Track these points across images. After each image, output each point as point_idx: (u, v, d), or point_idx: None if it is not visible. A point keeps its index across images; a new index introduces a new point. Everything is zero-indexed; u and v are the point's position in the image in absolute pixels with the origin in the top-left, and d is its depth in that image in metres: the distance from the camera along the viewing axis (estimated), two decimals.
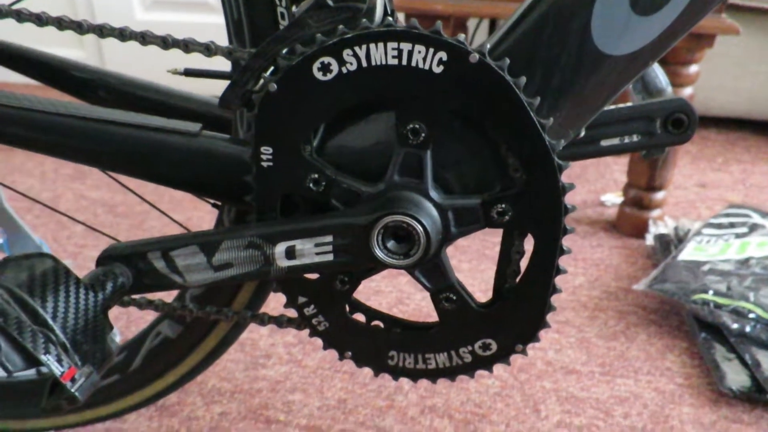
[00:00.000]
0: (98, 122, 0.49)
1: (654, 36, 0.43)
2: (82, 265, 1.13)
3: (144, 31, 0.46)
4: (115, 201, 1.37)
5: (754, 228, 1.15)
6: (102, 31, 0.47)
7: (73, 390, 0.41)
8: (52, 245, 1.19)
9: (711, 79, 1.72)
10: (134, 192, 0.69)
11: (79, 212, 1.33)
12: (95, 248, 1.19)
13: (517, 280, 0.49)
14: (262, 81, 0.45)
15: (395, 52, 0.42)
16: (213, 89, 0.61)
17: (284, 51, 0.44)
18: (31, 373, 0.41)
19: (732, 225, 1.18)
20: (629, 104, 0.58)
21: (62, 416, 0.72)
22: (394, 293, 1.07)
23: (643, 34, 0.43)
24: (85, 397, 0.42)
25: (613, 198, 1.41)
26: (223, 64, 0.52)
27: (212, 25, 1.81)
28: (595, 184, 1.50)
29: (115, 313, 1.00)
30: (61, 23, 0.47)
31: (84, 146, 0.50)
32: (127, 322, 0.98)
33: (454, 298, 0.49)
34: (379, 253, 0.45)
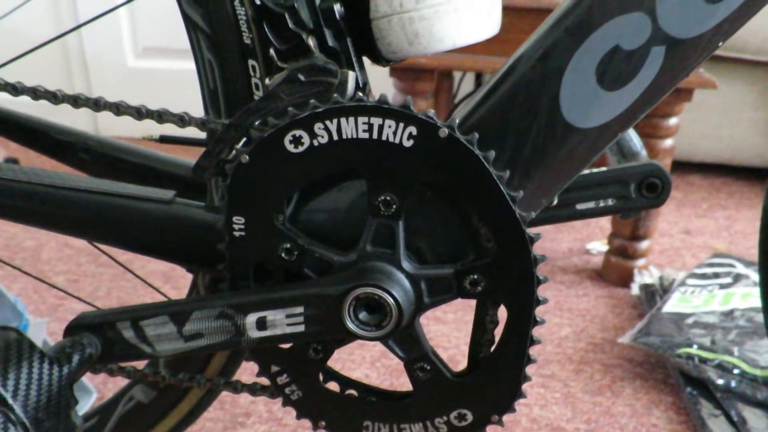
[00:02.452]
0: (70, 190, 0.49)
1: (622, 109, 0.44)
2: (62, 317, 1.11)
3: (118, 102, 0.47)
4: (103, 248, 1.36)
5: (737, 278, 1.15)
6: (76, 101, 0.47)
7: None
8: (32, 296, 1.18)
9: (694, 127, 1.75)
10: (110, 255, 0.68)
11: (63, 261, 1.32)
12: (76, 300, 1.17)
13: (492, 349, 0.48)
14: (234, 151, 0.46)
15: (366, 126, 0.42)
16: (194, 153, 0.61)
17: (257, 123, 0.45)
18: None
19: (716, 275, 1.18)
20: (604, 169, 0.59)
21: None
22: (378, 346, 1.05)
23: (611, 108, 0.44)
24: None
25: (599, 246, 1.41)
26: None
27: None
28: (581, 232, 1.50)
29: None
30: (36, 93, 0.47)
31: (57, 214, 0.50)
32: (105, 379, 0.96)
33: (428, 367, 0.48)
34: (351, 325, 0.45)
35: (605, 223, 1.54)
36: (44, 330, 0.88)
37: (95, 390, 0.91)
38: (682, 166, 1.87)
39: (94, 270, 1.29)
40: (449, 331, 1.11)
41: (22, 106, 0.61)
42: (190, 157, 0.61)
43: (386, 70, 1.19)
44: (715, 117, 1.74)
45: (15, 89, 0.48)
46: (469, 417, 0.49)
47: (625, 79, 0.42)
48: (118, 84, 2.01)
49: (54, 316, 1.12)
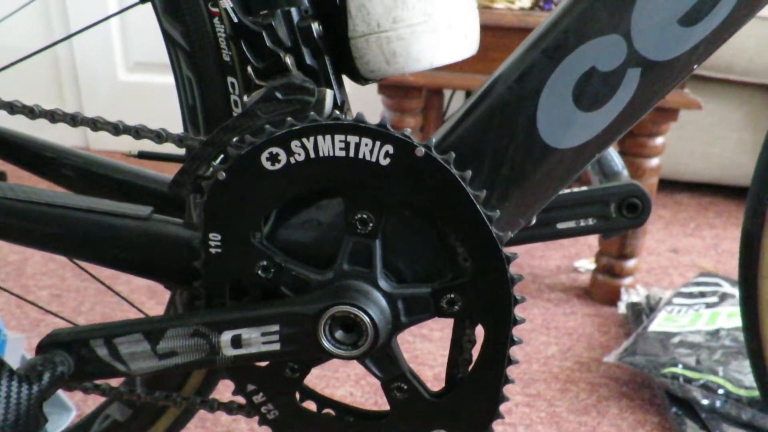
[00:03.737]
0: (47, 206, 0.49)
1: (599, 130, 0.44)
2: (44, 333, 1.09)
3: (95, 117, 0.46)
4: (84, 265, 1.35)
5: (724, 297, 1.16)
6: (53, 116, 0.46)
7: None
8: (14, 311, 1.17)
9: (682, 146, 1.77)
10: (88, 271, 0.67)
11: (47, 276, 1.31)
12: (60, 314, 1.16)
13: (469, 369, 0.48)
14: (212, 168, 0.45)
15: (342, 144, 0.42)
16: (176, 169, 0.61)
17: (234, 140, 0.45)
18: None
19: (702, 294, 1.18)
20: (584, 188, 0.59)
21: None
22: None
23: (588, 129, 0.44)
24: None
25: (587, 264, 1.41)
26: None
27: None
28: (570, 250, 1.50)
29: None
30: (12, 108, 0.47)
31: (33, 230, 0.50)
32: (85, 397, 0.95)
33: (406, 387, 0.48)
34: (327, 344, 0.44)
35: (593, 240, 1.54)
36: (23, 346, 0.87)
37: (74, 407, 0.89)
38: (671, 186, 1.89)
39: (79, 285, 1.28)
40: (435, 348, 1.10)
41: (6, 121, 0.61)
42: (173, 173, 0.61)
43: (374, 87, 1.20)
44: (702, 137, 1.76)
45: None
46: None
47: (601, 101, 0.43)
48: (108, 98, 2.01)
49: (35, 332, 1.11)
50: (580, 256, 1.47)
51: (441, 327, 1.15)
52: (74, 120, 0.47)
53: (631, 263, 1.26)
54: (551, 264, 1.42)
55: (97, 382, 0.56)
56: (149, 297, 1.24)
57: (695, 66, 0.43)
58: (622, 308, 1.22)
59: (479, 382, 0.47)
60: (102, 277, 1.28)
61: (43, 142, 0.63)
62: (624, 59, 0.42)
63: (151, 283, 1.28)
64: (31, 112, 0.47)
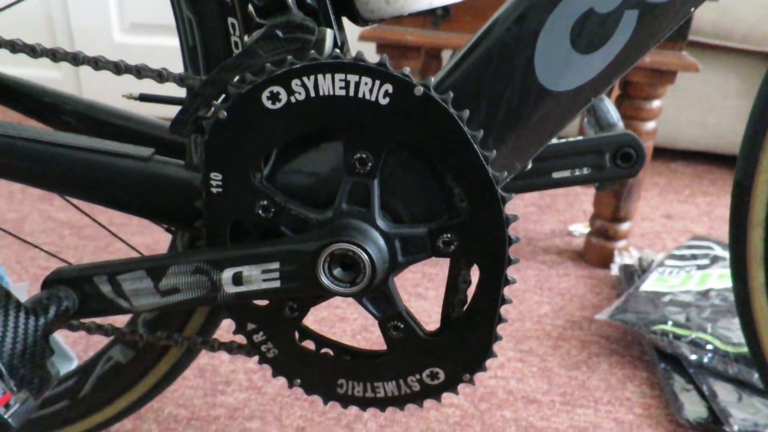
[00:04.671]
0: (49, 145, 0.49)
1: (595, 73, 0.44)
2: None
3: (96, 57, 0.47)
4: (83, 223, 1.36)
5: (715, 260, 1.17)
6: (55, 55, 0.47)
7: (6, 416, 0.40)
8: (15, 266, 1.18)
9: (678, 114, 1.77)
10: (91, 217, 0.68)
11: (46, 234, 1.32)
12: None
13: (464, 309, 0.49)
14: (212, 108, 0.46)
15: (342, 83, 0.43)
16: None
17: (235, 79, 0.45)
18: None
19: (694, 257, 1.20)
20: (580, 138, 0.59)
21: None
22: (359, 320, 1.07)
23: (584, 72, 0.44)
24: (19, 424, 0.41)
25: (581, 228, 1.43)
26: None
27: None
28: (564, 214, 1.52)
29: (74, 337, 0.98)
30: (14, 47, 0.47)
31: (34, 168, 0.50)
32: (86, 347, 0.97)
33: (402, 326, 0.49)
34: (325, 281, 0.45)
35: (588, 206, 1.56)
36: (24, 294, 0.88)
37: (75, 357, 0.91)
38: (666, 153, 1.89)
39: (77, 242, 1.29)
40: (430, 306, 1.12)
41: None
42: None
43: (373, 47, 1.19)
44: (699, 104, 1.76)
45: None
46: (441, 375, 0.50)
47: (598, 43, 0.43)
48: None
49: (35, 286, 1.12)
50: (575, 220, 1.48)
51: (436, 287, 1.17)
52: (76, 59, 0.47)
53: (624, 226, 1.27)
54: (546, 228, 1.44)
55: (101, 322, 0.57)
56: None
57: (692, 9, 0.43)
58: (614, 270, 1.23)
59: (474, 320, 0.48)
60: (100, 237, 1.29)
61: (44, 87, 0.63)
62: (622, 1, 0.42)
63: (150, 240, 1.29)
64: (33, 51, 0.47)
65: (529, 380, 0.95)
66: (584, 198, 1.61)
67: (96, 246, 1.27)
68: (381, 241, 0.46)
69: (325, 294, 0.48)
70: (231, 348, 0.55)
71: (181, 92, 0.53)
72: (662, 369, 0.94)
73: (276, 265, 0.46)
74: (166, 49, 1.91)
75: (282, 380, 0.91)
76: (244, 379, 0.91)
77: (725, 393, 0.87)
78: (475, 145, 0.43)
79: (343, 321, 1.06)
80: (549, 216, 1.50)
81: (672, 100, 1.70)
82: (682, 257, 1.20)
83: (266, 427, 0.83)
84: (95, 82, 2.02)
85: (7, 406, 0.41)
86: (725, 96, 1.74)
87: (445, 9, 1.14)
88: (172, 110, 0.54)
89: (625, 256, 1.26)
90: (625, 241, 1.29)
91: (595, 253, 1.30)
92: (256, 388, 0.90)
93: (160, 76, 0.47)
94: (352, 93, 0.43)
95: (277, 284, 0.47)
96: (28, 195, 1.47)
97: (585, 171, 0.59)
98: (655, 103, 1.18)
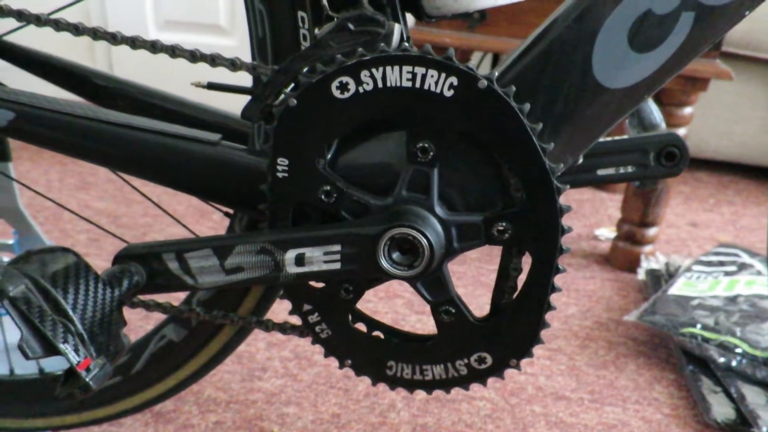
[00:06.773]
0: (121, 127, 0.52)
1: (650, 72, 0.46)
2: None
3: (174, 45, 0.49)
4: (119, 212, 1.39)
5: (742, 267, 1.18)
6: (134, 43, 0.49)
7: (87, 379, 0.43)
8: None
9: (705, 123, 1.77)
10: (146, 196, 0.71)
11: (82, 222, 1.35)
12: (98, 257, 1.20)
13: (514, 296, 0.51)
14: (282, 96, 0.48)
15: (409, 75, 0.45)
16: (225, 103, 0.64)
17: (305, 69, 0.47)
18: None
19: (721, 263, 1.20)
20: (626, 137, 0.61)
21: (60, 416, 0.73)
22: (390, 314, 1.09)
23: (639, 70, 0.46)
24: (98, 387, 0.44)
25: (607, 233, 1.44)
26: (236, 80, 0.54)
27: (222, 47, 1.86)
28: (590, 219, 1.53)
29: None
30: (58, 24, 0.50)
31: (105, 149, 0.53)
32: (127, 330, 0.99)
33: (453, 311, 0.51)
34: (385, 264, 0.48)
35: (614, 211, 1.57)
36: None
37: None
38: (691, 163, 1.89)
39: (114, 231, 1.32)
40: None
41: None
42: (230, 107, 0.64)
43: None
44: (726, 114, 1.77)
45: (39, 19, 0.50)
46: (489, 360, 0.52)
47: (655, 43, 0.45)
48: (138, 55, 2.03)
49: None
50: (601, 225, 1.50)
51: (465, 284, 1.18)
52: (154, 47, 0.49)
53: (652, 231, 1.28)
54: (572, 232, 1.45)
55: (159, 300, 0.60)
56: None
57: (746, 12, 0.45)
58: (641, 274, 1.25)
59: (523, 307, 0.50)
60: (137, 226, 1.32)
61: (98, 71, 0.66)
62: (679, 3, 0.44)
63: (186, 232, 1.32)
64: (76, 29, 0.49)
65: (557, 378, 0.96)
66: (610, 203, 1.62)
67: (132, 235, 1.30)
68: (439, 228, 0.48)
69: (383, 277, 0.50)
70: (285, 329, 0.57)
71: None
72: (690, 371, 0.95)
73: (337, 248, 0.48)
74: (199, 47, 1.95)
75: (317, 369, 0.93)
76: (279, 366, 0.94)
77: (753, 395, 0.88)
78: (534, 138, 0.45)
79: (375, 315, 1.08)
80: (575, 220, 1.52)
81: (699, 109, 1.71)
82: (709, 263, 1.21)
83: (302, 413, 0.85)
84: (129, 70, 2.06)
85: (88, 370, 0.43)
86: (752, 106, 1.75)
87: (482, 13, 1.16)
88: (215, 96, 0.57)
89: (652, 260, 1.27)
90: (651, 245, 1.30)
91: (621, 256, 1.31)
92: (292, 375, 0.92)
93: (234, 65, 0.49)
94: (418, 84, 0.45)
95: (337, 266, 0.49)
96: (66, 184, 1.51)
97: (629, 169, 0.60)
98: (687, 110, 1.19)
